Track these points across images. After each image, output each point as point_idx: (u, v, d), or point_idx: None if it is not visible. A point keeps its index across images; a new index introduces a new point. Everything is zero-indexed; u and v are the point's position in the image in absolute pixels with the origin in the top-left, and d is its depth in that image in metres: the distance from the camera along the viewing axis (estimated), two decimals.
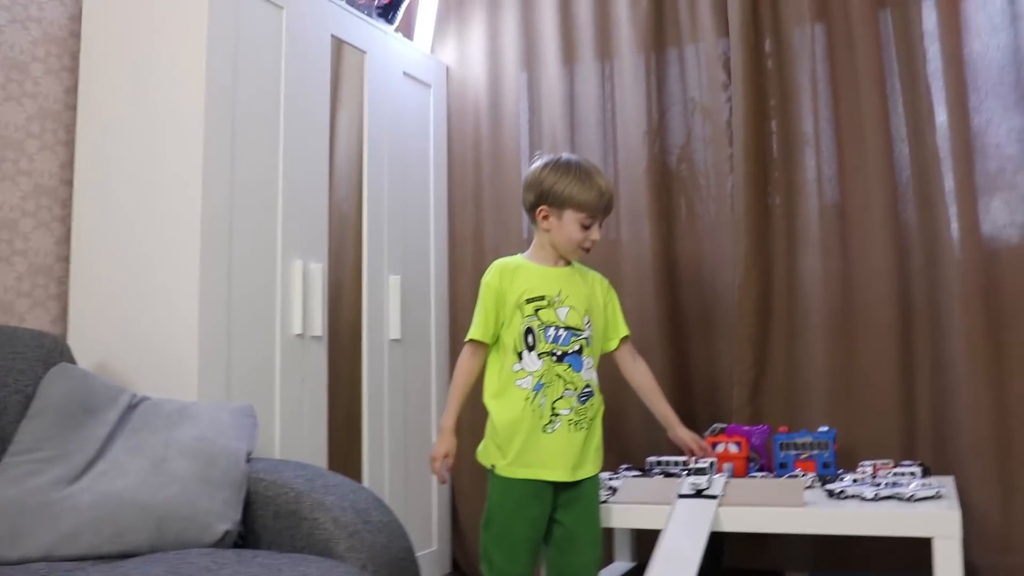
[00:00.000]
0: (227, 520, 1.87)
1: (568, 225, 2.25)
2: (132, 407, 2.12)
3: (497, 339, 2.25)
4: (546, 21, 3.44)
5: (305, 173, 2.77)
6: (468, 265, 3.46)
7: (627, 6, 3.27)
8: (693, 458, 2.45)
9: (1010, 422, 2.68)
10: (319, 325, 2.75)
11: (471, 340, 2.26)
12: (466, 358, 2.28)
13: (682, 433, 2.45)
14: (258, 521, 1.93)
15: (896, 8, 2.93)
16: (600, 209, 2.26)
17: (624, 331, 2.41)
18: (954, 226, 2.77)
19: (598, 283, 2.38)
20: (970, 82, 2.81)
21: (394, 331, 3.12)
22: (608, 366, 2.46)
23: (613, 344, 2.40)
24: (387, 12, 3.30)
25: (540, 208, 2.29)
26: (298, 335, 2.67)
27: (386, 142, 3.18)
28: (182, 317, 2.38)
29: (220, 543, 1.85)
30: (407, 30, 3.57)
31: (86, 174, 2.60)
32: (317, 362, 2.75)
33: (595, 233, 2.27)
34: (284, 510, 1.90)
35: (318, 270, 2.76)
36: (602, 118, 3.32)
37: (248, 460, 2.04)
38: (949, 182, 2.77)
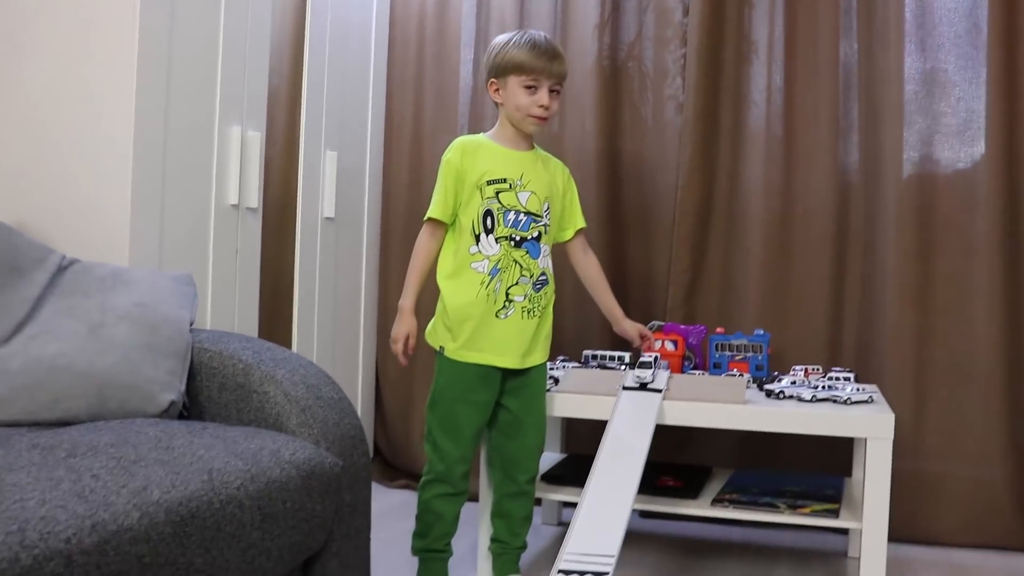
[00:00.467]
0: (172, 390, 1.79)
1: (513, 91, 2.17)
2: (62, 269, 1.98)
3: (455, 219, 2.19)
4: None
5: (247, 36, 2.60)
6: (405, 148, 3.36)
7: None
8: (641, 352, 2.46)
9: (930, 339, 2.79)
10: (255, 196, 2.63)
11: (430, 219, 2.18)
12: (425, 238, 2.20)
13: (627, 325, 2.45)
14: (203, 393, 1.86)
15: None
16: (541, 69, 2.15)
17: (581, 222, 2.38)
18: (896, 147, 2.81)
19: (560, 171, 2.32)
20: (928, 8, 2.82)
21: (328, 209, 3.02)
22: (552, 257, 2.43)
23: (568, 234, 2.36)
24: None
25: (490, 82, 2.22)
26: (233, 205, 2.55)
27: (329, 14, 3.02)
28: (114, 178, 2.23)
29: (165, 413, 1.77)
30: None
31: (11, 18, 2.38)
32: (251, 234, 2.64)
33: (543, 98, 2.16)
34: (231, 382, 1.83)
35: (256, 138, 2.63)
36: (553, 8, 3.23)
37: (190, 330, 1.94)
38: (900, 102, 2.80)
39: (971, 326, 2.75)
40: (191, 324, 1.96)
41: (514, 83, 2.17)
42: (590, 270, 2.42)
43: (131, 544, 1.16)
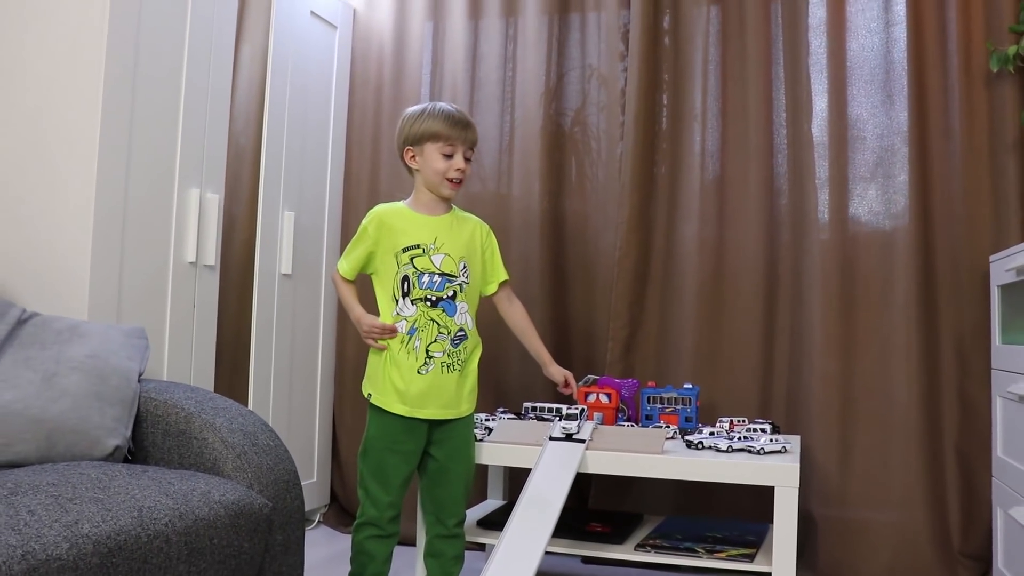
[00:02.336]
0: (117, 435, 1.93)
1: (430, 157, 2.35)
2: (21, 322, 2.13)
3: (377, 280, 2.37)
4: None
5: (207, 103, 2.78)
6: (362, 207, 3.51)
7: None
8: (566, 407, 2.61)
9: (853, 390, 2.95)
10: (212, 254, 2.78)
11: (340, 272, 2.41)
12: (340, 280, 2.42)
13: (553, 370, 2.61)
14: (148, 439, 2.00)
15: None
16: (456, 136, 2.33)
17: (502, 275, 2.52)
18: (821, 208, 3.01)
19: (478, 229, 2.48)
20: (849, 77, 3.03)
21: (286, 266, 3.18)
22: (489, 313, 2.58)
23: (492, 288, 2.50)
24: None
25: (406, 150, 2.39)
26: (191, 263, 2.71)
27: (289, 80, 3.21)
28: (76, 235, 2.39)
29: (110, 457, 1.91)
30: None
31: None
32: (208, 290, 2.79)
33: (459, 162, 2.34)
34: (174, 429, 1.97)
35: (214, 200, 2.79)
36: (502, 76, 3.42)
37: (139, 380, 2.09)
38: (824, 167, 3.00)
39: (891, 377, 2.91)
40: (140, 375, 2.10)
41: (431, 150, 2.34)
42: (515, 317, 2.57)
43: (59, 572, 1.30)
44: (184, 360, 2.68)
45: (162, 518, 1.53)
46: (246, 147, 3.38)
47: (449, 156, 2.34)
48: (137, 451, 2.01)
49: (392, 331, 2.30)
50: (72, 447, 1.88)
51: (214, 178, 2.82)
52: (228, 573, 1.67)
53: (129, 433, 1.97)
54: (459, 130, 2.34)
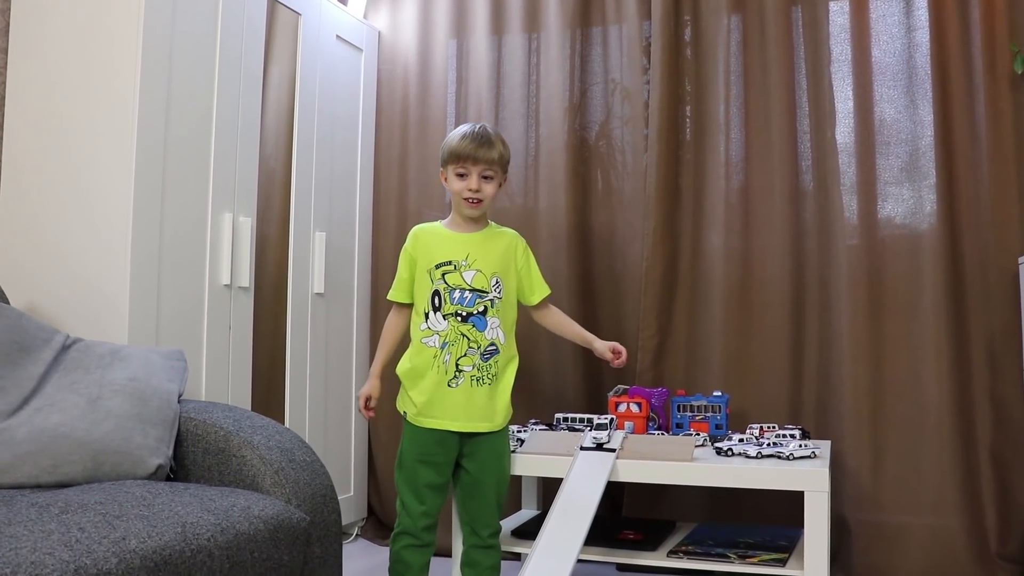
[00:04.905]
0: (160, 455, 1.99)
1: (450, 179, 2.43)
2: (66, 348, 2.21)
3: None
4: None
5: (238, 129, 2.86)
6: (391, 226, 3.59)
7: None
8: (597, 416, 2.65)
9: (884, 395, 2.96)
10: (246, 276, 2.85)
11: (391, 300, 2.47)
12: (391, 316, 2.50)
13: (599, 345, 2.63)
14: (188, 457, 2.06)
15: (806, 5, 3.14)
16: (467, 156, 2.37)
17: (545, 290, 2.57)
18: (847, 214, 3.02)
19: (513, 243, 2.52)
20: (872, 83, 3.05)
21: (318, 285, 3.24)
22: (521, 326, 2.62)
23: (536, 298, 2.55)
24: None
25: (440, 171, 2.48)
26: (226, 285, 2.78)
27: (316, 103, 3.28)
28: (114, 262, 2.47)
29: (153, 476, 1.97)
30: None
31: (17, 115, 2.65)
32: (243, 312, 2.86)
33: (472, 183, 2.38)
34: (213, 448, 2.03)
35: (247, 224, 2.86)
36: (526, 93, 3.47)
37: (179, 401, 2.15)
38: (849, 173, 3.02)
39: (922, 381, 2.92)
40: (180, 396, 2.16)
41: (451, 171, 2.42)
42: (552, 317, 2.63)
43: None
44: (222, 380, 2.75)
45: (205, 533, 1.59)
46: (276, 170, 3.45)
47: (464, 176, 2.39)
48: (178, 469, 2.07)
49: (368, 412, 2.49)
50: (117, 467, 1.94)
51: (246, 202, 2.89)
52: None
53: (171, 452, 2.03)
54: (472, 148, 2.37)
